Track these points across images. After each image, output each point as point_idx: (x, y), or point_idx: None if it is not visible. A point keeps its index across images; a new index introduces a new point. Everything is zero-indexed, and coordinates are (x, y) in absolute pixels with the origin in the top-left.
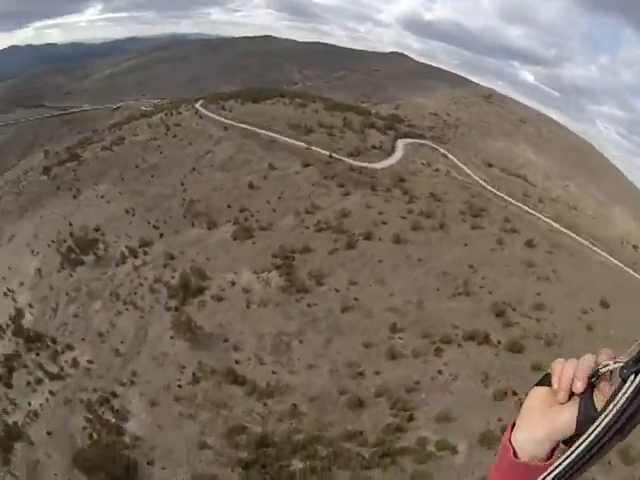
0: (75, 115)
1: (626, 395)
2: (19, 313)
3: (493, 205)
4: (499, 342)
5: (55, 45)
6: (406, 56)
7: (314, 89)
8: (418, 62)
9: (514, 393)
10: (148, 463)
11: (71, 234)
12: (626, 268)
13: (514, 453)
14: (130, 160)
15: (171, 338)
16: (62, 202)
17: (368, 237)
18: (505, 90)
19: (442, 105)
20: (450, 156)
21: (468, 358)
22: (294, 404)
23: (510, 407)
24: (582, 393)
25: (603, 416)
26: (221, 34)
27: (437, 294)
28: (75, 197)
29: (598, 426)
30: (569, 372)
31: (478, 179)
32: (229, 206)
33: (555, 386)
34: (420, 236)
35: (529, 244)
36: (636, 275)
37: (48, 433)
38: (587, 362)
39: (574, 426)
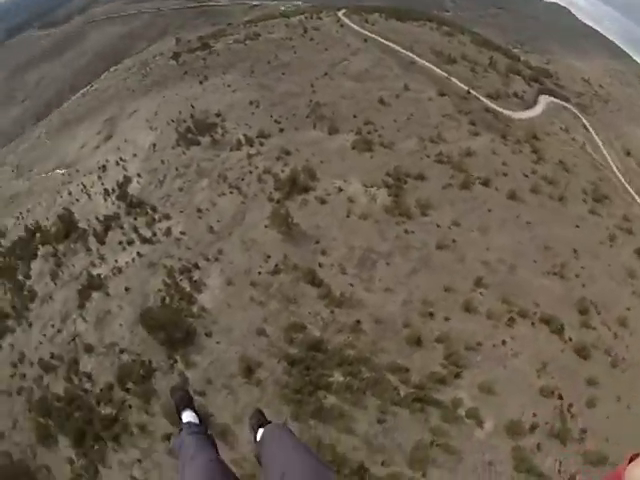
0: (211, 8)
1: None
2: (127, 180)
3: (618, 197)
4: (570, 339)
5: None
6: (568, 11)
7: (465, 21)
8: (580, 21)
9: (560, 397)
10: (206, 334)
11: (192, 116)
12: None
13: None
14: (262, 55)
15: (265, 227)
16: (187, 86)
17: (485, 183)
18: None
19: (596, 74)
20: (591, 130)
21: (535, 341)
22: (358, 320)
23: (550, 408)
24: None
25: None
26: None
27: (532, 265)
28: (201, 83)
29: None
30: None
31: (612, 164)
32: (355, 116)
33: None
34: (536, 200)
35: (639, 253)
36: None
37: (126, 289)
38: None
39: None
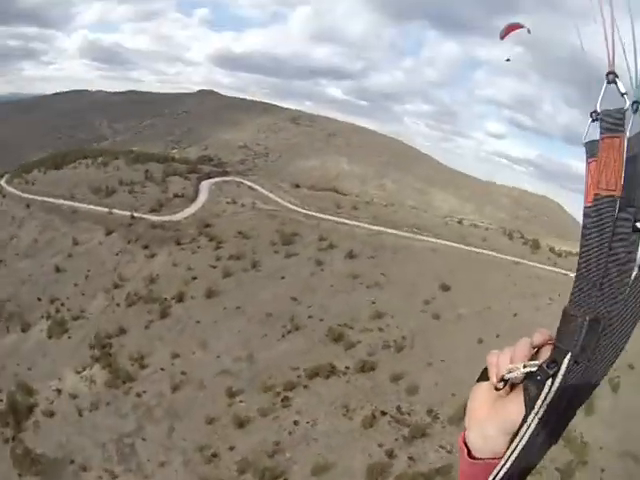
0: None
1: (547, 402)
2: None
3: (305, 227)
4: (347, 368)
5: None
6: (215, 93)
7: (123, 143)
8: (226, 97)
9: (383, 413)
10: None
11: None
12: (456, 245)
13: (469, 453)
14: None
15: (20, 476)
16: None
17: (180, 299)
18: (315, 109)
19: (250, 136)
20: (256, 187)
21: (320, 397)
22: None
23: (385, 429)
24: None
25: (525, 428)
26: (35, 92)
27: (265, 340)
28: None
29: (523, 438)
30: (505, 363)
31: (287, 204)
32: (39, 299)
33: (493, 380)
34: (233, 282)
35: (350, 255)
36: (468, 248)
37: None
38: (522, 347)
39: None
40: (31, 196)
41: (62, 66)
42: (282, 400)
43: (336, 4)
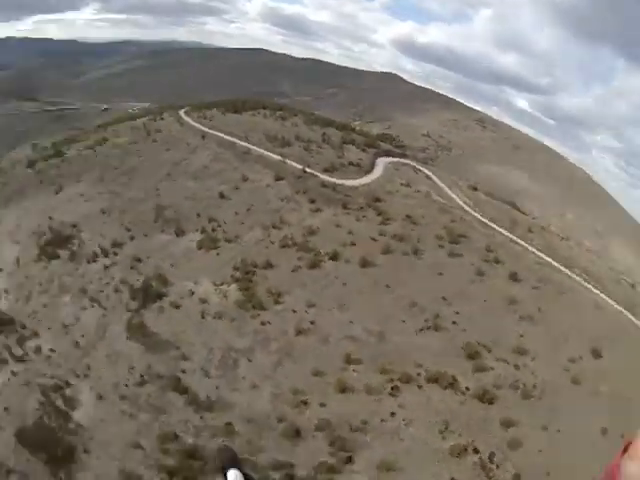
0: (66, 112)
1: None
2: None
3: (475, 232)
4: (467, 388)
5: (51, 40)
6: (399, 77)
7: (304, 104)
8: (411, 83)
9: (475, 451)
10: (85, 451)
11: (50, 228)
12: (623, 310)
13: None
14: (110, 161)
15: (127, 339)
16: (44, 196)
17: (334, 257)
18: (499, 115)
19: (434, 127)
20: (434, 177)
21: (428, 403)
22: (229, 422)
23: (468, 466)
24: None
25: None
26: (215, 44)
27: (402, 326)
28: (57, 193)
29: None
30: None
31: (461, 203)
32: (198, 215)
33: None
34: (390, 261)
35: (513, 277)
36: (633, 319)
37: (5, 409)
38: None
39: None
40: (207, 129)
41: (244, 26)
42: (392, 388)
43: (518, 11)
